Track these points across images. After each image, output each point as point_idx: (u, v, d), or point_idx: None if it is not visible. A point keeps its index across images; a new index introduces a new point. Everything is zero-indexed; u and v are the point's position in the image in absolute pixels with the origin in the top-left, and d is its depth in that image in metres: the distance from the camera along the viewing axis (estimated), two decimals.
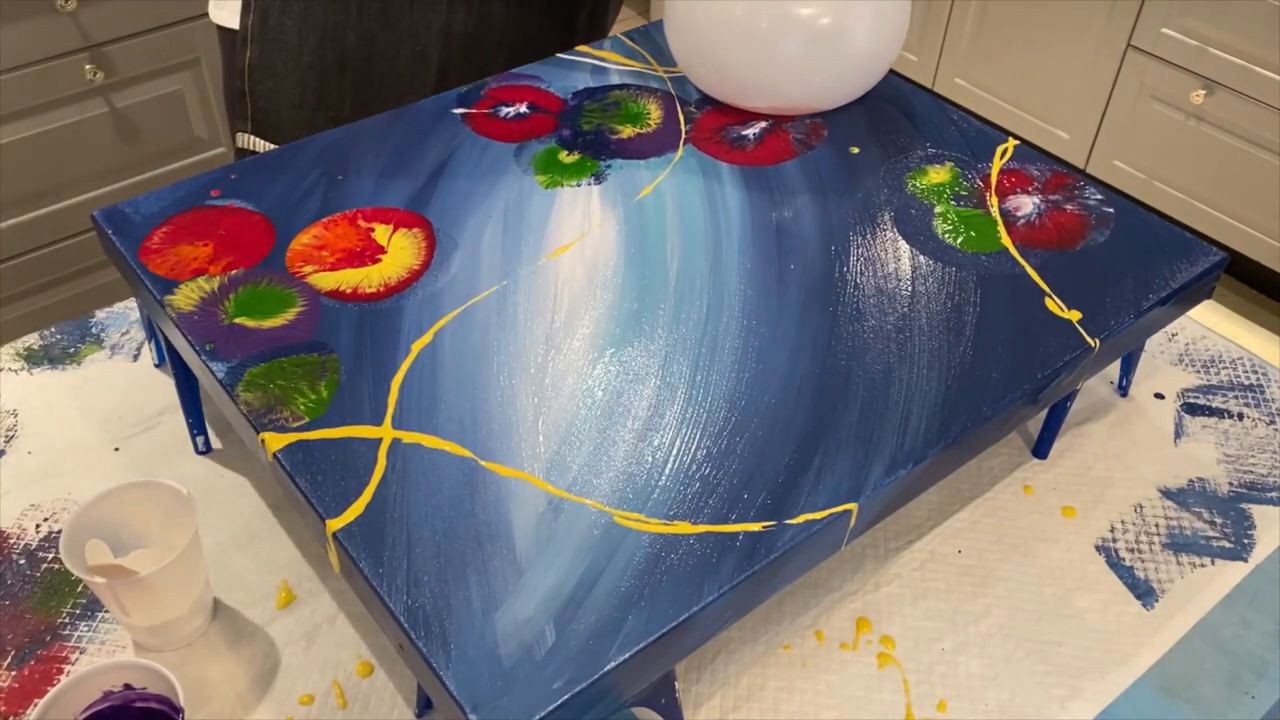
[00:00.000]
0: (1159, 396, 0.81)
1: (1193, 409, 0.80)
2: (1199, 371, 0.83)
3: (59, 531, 0.67)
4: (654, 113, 0.83)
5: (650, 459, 0.57)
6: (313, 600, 0.65)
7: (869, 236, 0.72)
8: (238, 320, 0.64)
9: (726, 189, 0.75)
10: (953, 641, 0.65)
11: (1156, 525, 0.72)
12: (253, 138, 0.98)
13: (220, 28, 0.98)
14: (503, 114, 0.82)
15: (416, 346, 0.63)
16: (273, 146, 0.97)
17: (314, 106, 0.95)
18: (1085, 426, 0.78)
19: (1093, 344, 0.65)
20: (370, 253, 0.69)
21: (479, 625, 0.49)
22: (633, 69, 0.88)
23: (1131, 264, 0.71)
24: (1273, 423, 0.79)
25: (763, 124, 0.82)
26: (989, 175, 0.78)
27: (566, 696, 0.47)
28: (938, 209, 0.75)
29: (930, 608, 0.66)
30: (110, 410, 0.76)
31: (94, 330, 0.82)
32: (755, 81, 0.80)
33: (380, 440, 0.57)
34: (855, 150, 0.80)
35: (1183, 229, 0.84)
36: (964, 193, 0.76)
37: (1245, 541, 0.71)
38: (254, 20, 0.93)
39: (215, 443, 0.74)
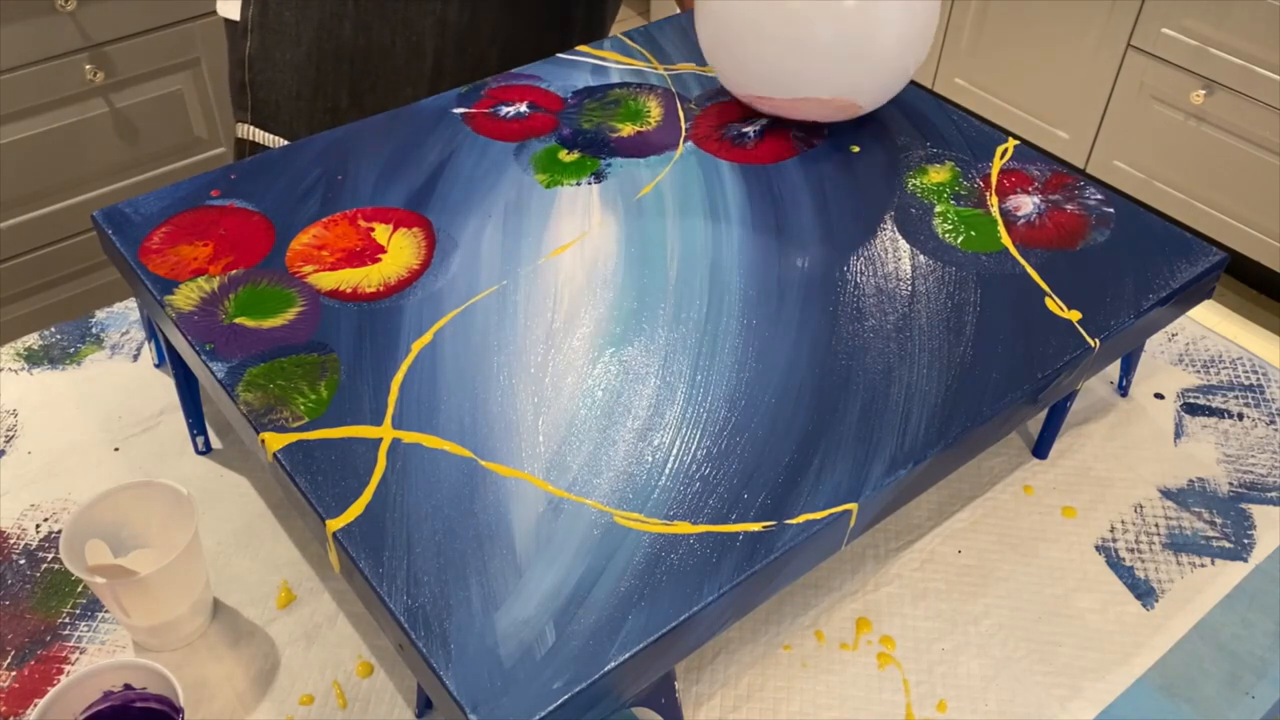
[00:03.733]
0: (1159, 396, 0.81)
1: (1193, 409, 0.80)
2: (1199, 371, 0.83)
3: (59, 531, 0.67)
4: (654, 111, 0.83)
5: (650, 459, 0.57)
6: (313, 600, 0.65)
7: (869, 236, 0.72)
8: (238, 320, 0.64)
9: (727, 187, 0.75)
10: (953, 641, 0.65)
11: (1156, 525, 0.72)
12: (252, 128, 0.99)
13: (226, 20, 0.99)
14: (503, 113, 0.82)
15: (416, 346, 0.63)
16: (272, 137, 0.97)
17: (311, 97, 0.96)
18: (1085, 426, 0.78)
19: (1093, 344, 0.65)
20: (370, 252, 0.69)
21: (479, 625, 0.49)
22: (633, 67, 0.88)
23: (1131, 264, 0.71)
24: (1273, 423, 0.79)
25: (763, 121, 0.82)
26: (989, 175, 0.78)
27: (566, 696, 0.47)
28: (938, 208, 0.74)
29: (930, 608, 0.66)
30: (110, 410, 0.76)
31: (94, 330, 0.82)
32: (793, 69, 0.76)
33: (380, 440, 0.57)
34: (855, 149, 0.80)
35: (1183, 229, 0.84)
36: (964, 192, 0.76)
37: (1245, 541, 0.71)
38: (254, 11, 0.94)
39: (215, 443, 0.74)
